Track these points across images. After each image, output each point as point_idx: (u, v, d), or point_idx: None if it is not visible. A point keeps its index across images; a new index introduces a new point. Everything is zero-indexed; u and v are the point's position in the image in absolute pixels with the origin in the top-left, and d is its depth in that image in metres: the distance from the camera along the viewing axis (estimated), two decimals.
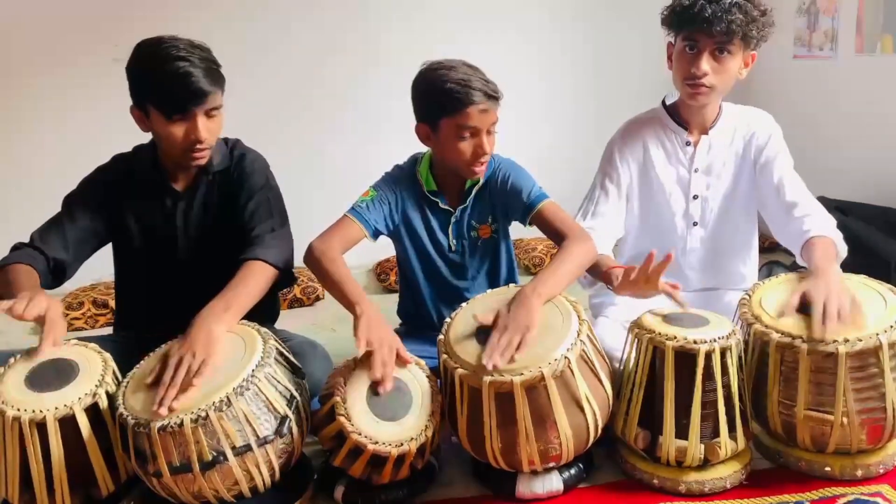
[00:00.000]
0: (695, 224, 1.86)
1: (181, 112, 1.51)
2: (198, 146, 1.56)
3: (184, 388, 1.31)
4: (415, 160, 1.84)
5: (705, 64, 1.67)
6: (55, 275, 1.61)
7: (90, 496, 1.39)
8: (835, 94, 3.06)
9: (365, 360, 1.45)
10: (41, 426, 1.30)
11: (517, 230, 1.89)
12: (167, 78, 1.49)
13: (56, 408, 1.31)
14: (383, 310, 1.57)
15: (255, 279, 1.53)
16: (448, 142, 1.66)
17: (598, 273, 1.66)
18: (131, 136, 1.73)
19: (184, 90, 1.49)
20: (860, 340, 1.38)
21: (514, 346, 1.39)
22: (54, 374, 1.37)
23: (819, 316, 1.41)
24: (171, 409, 1.28)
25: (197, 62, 1.50)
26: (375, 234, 1.75)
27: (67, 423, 1.33)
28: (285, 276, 1.65)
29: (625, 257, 1.95)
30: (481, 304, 1.55)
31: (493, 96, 1.63)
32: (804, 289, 1.48)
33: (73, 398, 1.34)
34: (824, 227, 1.66)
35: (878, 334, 1.39)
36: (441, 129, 1.66)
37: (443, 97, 1.62)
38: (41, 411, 1.30)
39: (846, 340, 1.38)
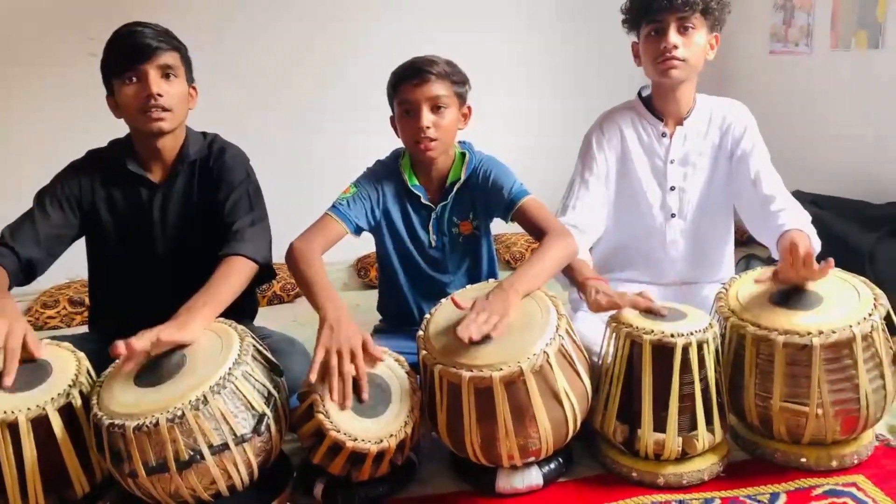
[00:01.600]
0: (673, 216, 1.87)
1: (131, 67, 1.55)
2: (152, 104, 1.55)
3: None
4: (397, 155, 1.84)
5: (673, 37, 1.70)
6: (26, 273, 1.58)
7: (65, 498, 1.36)
8: (810, 89, 3.09)
9: None
10: (13, 427, 1.28)
11: (498, 226, 1.89)
12: (118, 39, 1.58)
13: (28, 408, 1.29)
14: (364, 306, 1.57)
15: (235, 275, 1.52)
16: (398, 123, 1.73)
17: (574, 280, 1.66)
18: (107, 133, 1.72)
19: (131, 45, 1.55)
20: (834, 332, 1.40)
21: (492, 325, 1.39)
22: (27, 375, 1.34)
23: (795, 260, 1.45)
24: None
25: (149, 26, 1.58)
26: (358, 231, 1.75)
27: (40, 424, 1.30)
28: (265, 271, 1.63)
29: (603, 249, 1.96)
30: (461, 297, 1.54)
31: (428, 71, 1.66)
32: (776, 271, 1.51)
33: (45, 398, 1.31)
34: (800, 221, 1.68)
35: (851, 326, 1.41)
36: (394, 114, 1.74)
37: (390, 82, 1.73)
38: (13, 412, 1.28)
39: (820, 333, 1.40)
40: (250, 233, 1.61)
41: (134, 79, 1.56)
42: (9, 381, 1.31)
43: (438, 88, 1.67)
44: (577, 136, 1.95)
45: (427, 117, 1.66)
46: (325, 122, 3.29)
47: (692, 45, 1.72)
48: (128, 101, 1.57)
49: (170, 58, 1.58)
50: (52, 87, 2.91)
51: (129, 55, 1.55)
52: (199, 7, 3.04)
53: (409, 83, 1.67)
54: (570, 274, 1.66)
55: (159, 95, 1.55)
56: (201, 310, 1.42)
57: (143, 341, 1.30)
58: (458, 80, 1.71)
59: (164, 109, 1.57)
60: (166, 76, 1.58)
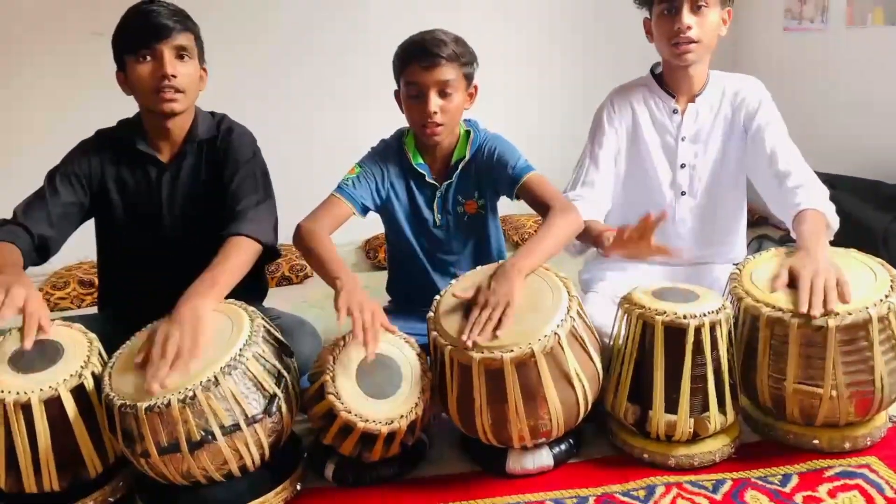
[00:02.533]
0: (683, 193, 1.85)
1: (146, 46, 1.54)
2: (166, 84, 1.55)
3: (175, 366, 1.29)
4: (401, 133, 1.83)
5: (687, 17, 1.68)
6: (39, 252, 1.58)
7: (78, 477, 1.37)
8: (825, 67, 3.05)
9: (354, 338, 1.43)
10: (26, 408, 1.28)
11: (506, 207, 1.88)
12: (132, 16, 1.57)
13: (41, 389, 1.30)
14: (373, 287, 1.57)
15: (239, 255, 1.51)
16: (404, 103, 1.71)
17: (588, 237, 1.65)
18: (114, 113, 1.71)
19: (147, 24, 1.54)
20: (850, 314, 1.38)
21: (495, 322, 1.39)
22: (39, 356, 1.35)
23: (806, 293, 1.41)
24: (162, 387, 1.27)
25: (164, 5, 1.57)
26: (364, 211, 1.74)
27: (53, 405, 1.31)
28: (269, 251, 1.63)
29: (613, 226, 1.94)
30: (470, 280, 1.53)
31: (437, 54, 1.62)
32: (790, 264, 1.48)
33: (58, 379, 1.32)
34: (816, 198, 1.64)
35: (867, 308, 1.39)
36: (400, 90, 1.71)
37: (397, 58, 1.69)
38: (26, 393, 1.28)
39: (836, 314, 1.38)
40: (254, 213, 1.60)
41: (148, 57, 1.55)
42: (28, 343, 1.33)
43: (447, 73, 1.64)
44: (583, 114, 1.94)
45: (434, 102, 1.64)
46: (331, 102, 3.27)
47: (706, 24, 1.69)
48: (141, 80, 1.56)
49: (185, 39, 1.57)
50: (59, 67, 2.90)
51: (144, 34, 1.54)
52: None
53: (417, 65, 1.64)
54: (584, 233, 1.65)
55: (173, 76, 1.54)
56: (208, 292, 1.42)
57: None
58: (466, 61, 1.68)
59: (177, 90, 1.56)
60: (180, 57, 1.57)
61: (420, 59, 1.63)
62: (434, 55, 1.62)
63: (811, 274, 1.43)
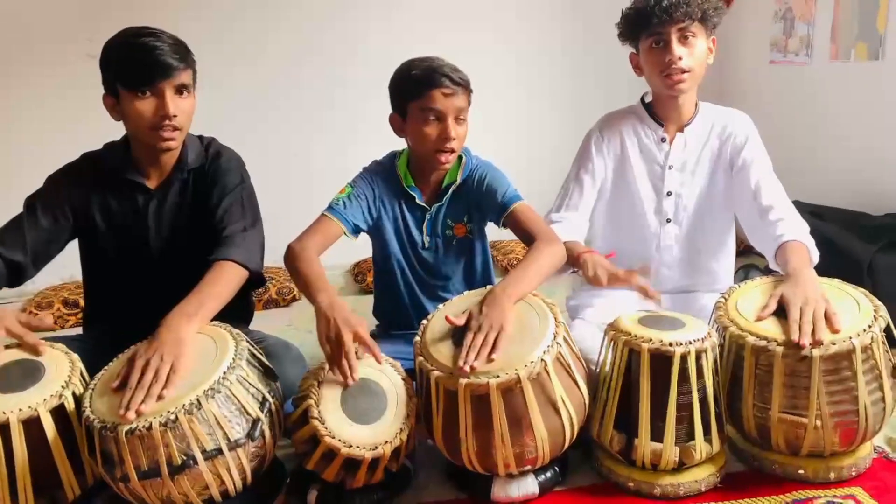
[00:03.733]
0: (668, 220, 1.87)
1: (148, 84, 1.51)
2: (166, 124, 1.53)
3: (151, 393, 1.28)
4: (394, 155, 1.84)
5: (677, 49, 1.71)
6: (12, 278, 1.58)
7: (55, 500, 1.35)
8: (810, 100, 3.10)
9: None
10: (4, 428, 1.27)
11: (495, 233, 1.88)
12: (134, 50, 1.51)
13: (20, 409, 1.28)
14: (360, 311, 1.56)
15: (225, 280, 1.51)
16: (416, 127, 1.69)
17: (569, 257, 1.67)
18: (103, 135, 1.70)
19: (151, 62, 1.50)
20: (833, 344, 1.39)
21: (490, 346, 1.38)
22: (19, 375, 1.33)
23: (796, 323, 1.42)
24: (138, 413, 1.25)
25: (165, 38, 1.52)
26: (355, 231, 1.74)
27: (32, 425, 1.29)
28: (256, 277, 1.62)
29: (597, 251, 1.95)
30: (457, 306, 1.53)
31: (458, 83, 1.65)
32: (781, 293, 1.49)
33: (37, 399, 1.30)
34: (797, 232, 1.67)
35: (851, 338, 1.40)
36: (410, 115, 1.69)
37: (410, 82, 1.68)
38: (4, 413, 1.27)
39: (820, 344, 1.39)
40: (241, 238, 1.60)
41: (148, 93, 1.52)
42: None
43: (464, 100, 1.67)
44: (574, 138, 1.96)
45: (454, 129, 1.66)
46: (325, 124, 3.29)
47: (694, 53, 1.73)
48: (140, 116, 1.53)
49: (186, 76, 1.55)
50: (50, 88, 2.91)
51: (148, 72, 1.50)
52: (198, 10, 3.03)
53: (439, 91, 1.64)
54: (568, 257, 1.67)
55: (174, 116, 1.53)
56: (192, 316, 1.41)
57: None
58: (471, 90, 1.71)
59: (175, 128, 1.55)
60: (179, 93, 1.55)
61: (442, 85, 1.64)
62: (456, 83, 1.64)
63: (801, 302, 1.44)
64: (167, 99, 1.52)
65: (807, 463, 1.49)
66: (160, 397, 1.28)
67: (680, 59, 1.71)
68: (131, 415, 1.25)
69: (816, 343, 1.39)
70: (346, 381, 1.39)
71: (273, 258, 1.69)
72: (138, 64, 1.50)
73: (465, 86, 1.67)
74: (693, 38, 1.72)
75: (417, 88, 1.66)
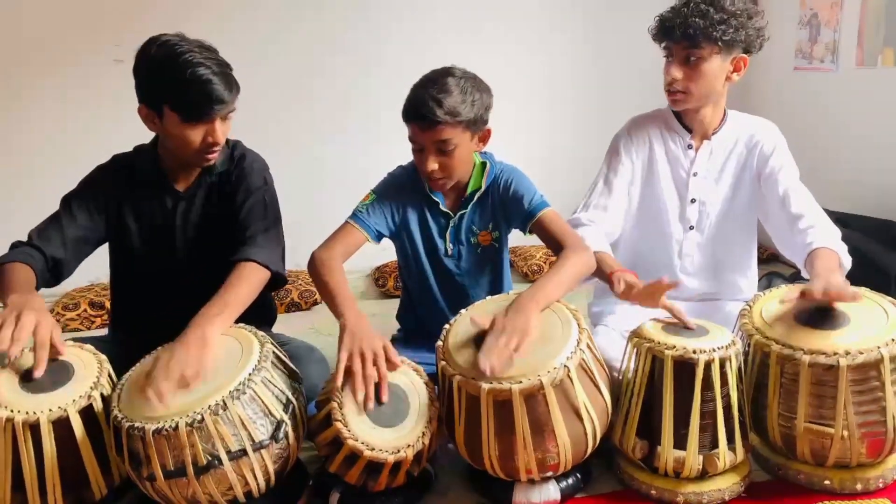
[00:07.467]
0: (691, 228, 1.86)
1: (203, 118, 1.53)
2: (213, 148, 1.58)
3: (177, 386, 1.30)
4: None
5: (675, 71, 1.72)
6: (53, 273, 1.60)
7: (83, 499, 1.37)
8: (835, 106, 3.06)
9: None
10: (34, 427, 1.29)
11: (516, 238, 1.88)
12: (189, 84, 1.49)
13: (50, 409, 1.30)
14: (381, 315, 1.57)
15: (247, 281, 1.53)
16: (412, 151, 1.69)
17: (600, 272, 1.65)
18: (132, 137, 1.73)
19: (206, 97, 1.50)
20: (861, 353, 1.38)
21: (512, 349, 1.37)
22: (49, 376, 1.35)
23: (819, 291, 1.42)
24: (161, 400, 1.27)
25: (215, 68, 1.51)
26: (378, 238, 1.75)
27: (61, 425, 1.31)
28: (277, 277, 1.64)
29: (621, 258, 1.94)
30: (480, 311, 1.54)
31: (431, 119, 1.58)
32: (804, 287, 1.47)
33: (67, 400, 1.32)
34: (829, 238, 1.65)
35: (879, 347, 1.38)
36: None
37: (404, 106, 1.66)
38: (35, 413, 1.29)
39: (847, 353, 1.37)
40: (263, 239, 1.62)
41: (199, 122, 1.54)
42: (39, 372, 1.32)
43: (445, 133, 1.60)
44: (600, 142, 1.95)
45: (432, 161, 1.64)
46: (345, 130, 3.31)
47: (698, 77, 1.70)
48: (186, 142, 1.55)
49: (234, 103, 1.57)
50: (79, 91, 2.95)
51: (203, 107, 1.51)
52: (218, 16, 3.07)
53: (415, 124, 1.63)
54: (597, 269, 1.65)
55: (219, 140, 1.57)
56: (217, 317, 1.42)
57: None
58: (467, 118, 1.61)
59: (217, 149, 1.60)
60: (225, 118, 1.58)
61: (416, 119, 1.62)
62: (429, 119, 1.58)
63: (825, 284, 1.45)
64: (217, 128, 1.55)
65: (833, 473, 1.47)
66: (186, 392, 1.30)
67: (674, 80, 1.71)
68: (155, 401, 1.27)
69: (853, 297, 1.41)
70: (367, 402, 1.38)
71: (295, 261, 1.70)
72: (194, 99, 1.50)
73: (442, 121, 1.58)
74: (699, 61, 1.69)
75: (403, 115, 1.65)
